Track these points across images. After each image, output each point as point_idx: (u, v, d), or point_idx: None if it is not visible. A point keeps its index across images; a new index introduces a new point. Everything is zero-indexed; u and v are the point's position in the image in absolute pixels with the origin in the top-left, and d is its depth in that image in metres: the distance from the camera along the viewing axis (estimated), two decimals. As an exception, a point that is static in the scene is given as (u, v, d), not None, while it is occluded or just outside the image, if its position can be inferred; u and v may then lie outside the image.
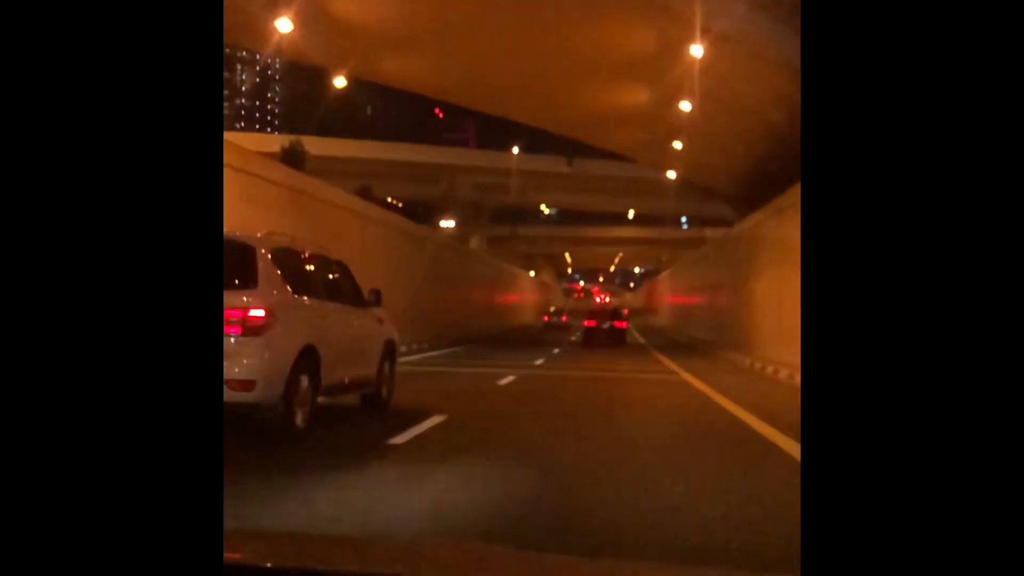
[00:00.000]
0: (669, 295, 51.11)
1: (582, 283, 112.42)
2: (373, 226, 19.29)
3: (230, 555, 0.98)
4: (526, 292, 58.73)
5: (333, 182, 19.77)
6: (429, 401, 8.71)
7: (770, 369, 14.89)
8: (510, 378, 12.55)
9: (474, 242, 50.05)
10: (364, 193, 25.43)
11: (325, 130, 56.12)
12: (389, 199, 45.69)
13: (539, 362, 17.21)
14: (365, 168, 42.54)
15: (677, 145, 19.63)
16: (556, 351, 22.40)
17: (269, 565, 1.13)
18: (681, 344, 27.67)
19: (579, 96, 18.66)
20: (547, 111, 21.71)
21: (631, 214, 59.19)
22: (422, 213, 54.69)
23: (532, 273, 66.86)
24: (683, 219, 76.57)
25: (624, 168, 54.84)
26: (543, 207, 56.68)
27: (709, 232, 40.63)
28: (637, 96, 17.53)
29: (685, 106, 16.45)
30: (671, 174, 24.64)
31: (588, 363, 17.27)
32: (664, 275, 57.29)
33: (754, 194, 19.87)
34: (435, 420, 7.30)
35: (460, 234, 49.38)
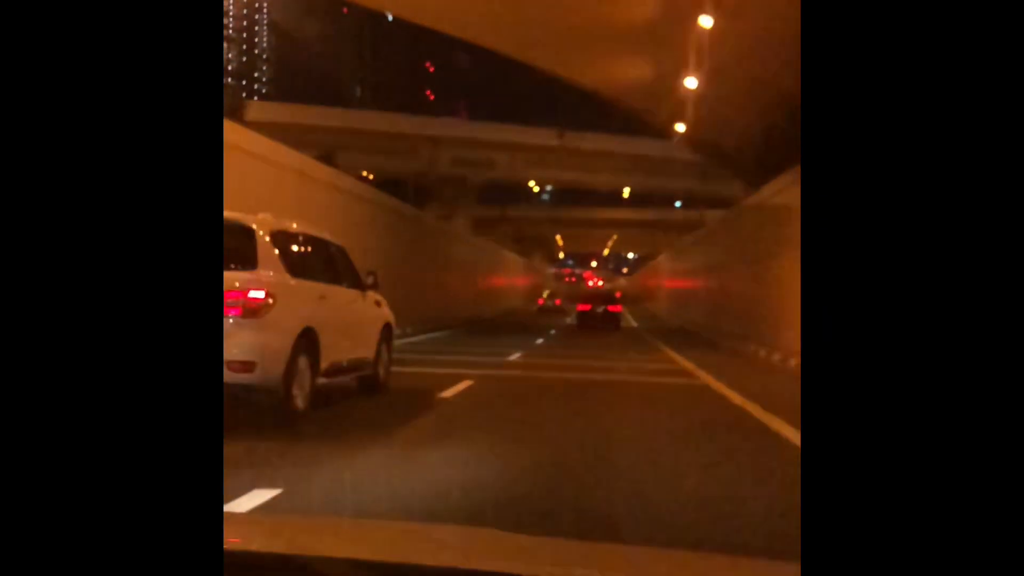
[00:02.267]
0: (667, 279, 47.41)
1: (572, 267, 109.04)
2: (324, 191, 15.79)
3: (229, 540, 0.96)
4: (515, 276, 55.08)
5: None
6: (315, 435, 5.69)
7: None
8: (465, 384, 8.92)
9: (459, 222, 46.21)
10: (327, 162, 21.80)
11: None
12: (364, 173, 41.96)
13: (515, 356, 13.55)
14: (331, 138, 38.68)
15: (690, 83, 15.71)
16: (539, 341, 18.76)
17: (267, 551, 1.12)
18: (685, 333, 24.02)
19: (561, 6, 14.55)
20: (517, 27, 17.18)
21: (626, 192, 55.29)
22: (412, 195, 50.77)
23: (519, 256, 63.13)
24: (677, 203, 73.17)
25: (619, 142, 51.33)
26: (532, 184, 52.65)
27: (711, 215, 36.67)
28: (641, 8, 13.60)
29: (705, 21, 12.64)
30: (680, 127, 20.86)
31: (576, 359, 13.59)
32: (662, 258, 53.57)
33: (773, 158, 16.23)
34: (255, 498, 3.62)
35: (445, 213, 45.95)
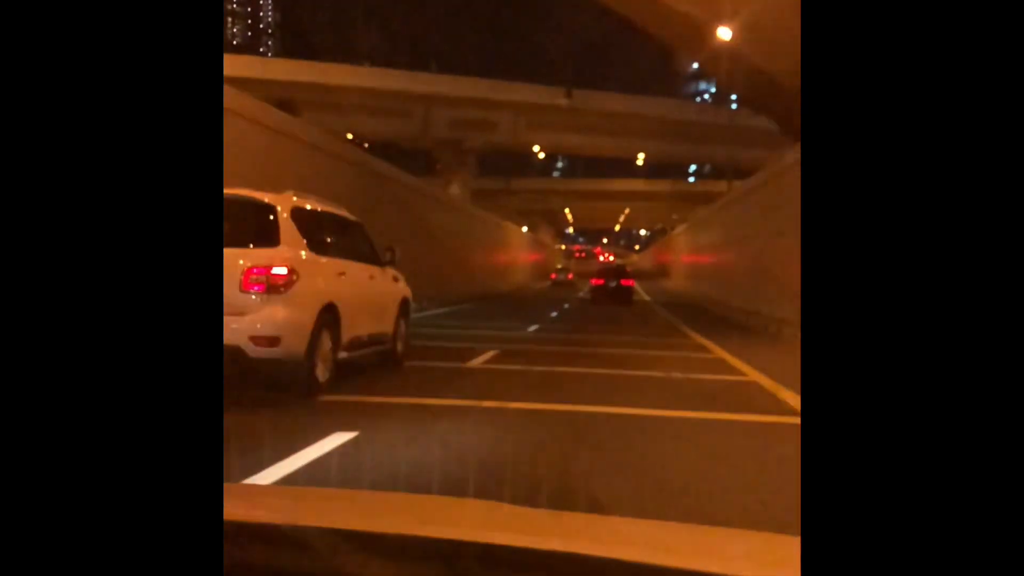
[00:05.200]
0: (685, 254, 42.55)
1: (583, 243, 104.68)
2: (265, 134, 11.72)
3: (235, 511, 0.95)
4: (520, 251, 50.40)
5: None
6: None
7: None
8: (330, 444, 4.30)
9: (455, 190, 41.58)
10: (287, 109, 17.20)
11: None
12: (350, 136, 37.23)
13: (483, 359, 8.96)
14: (305, 96, 33.81)
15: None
16: (533, 328, 14.12)
17: (273, 522, 1.09)
18: (713, 315, 19.37)
19: None
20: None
21: (640, 159, 50.27)
22: (422, 166, 45.94)
23: (525, 229, 58.40)
24: (691, 178, 68.49)
25: (634, 102, 46.33)
26: (536, 148, 47.77)
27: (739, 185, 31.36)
28: None
29: None
30: (724, 33, 16.00)
31: (578, 361, 8.95)
32: (679, 230, 48.65)
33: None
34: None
35: (443, 182, 41.49)
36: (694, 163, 50.65)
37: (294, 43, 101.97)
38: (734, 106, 40.19)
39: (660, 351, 10.52)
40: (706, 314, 20.54)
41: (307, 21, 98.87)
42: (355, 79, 39.74)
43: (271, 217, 5.78)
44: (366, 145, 35.59)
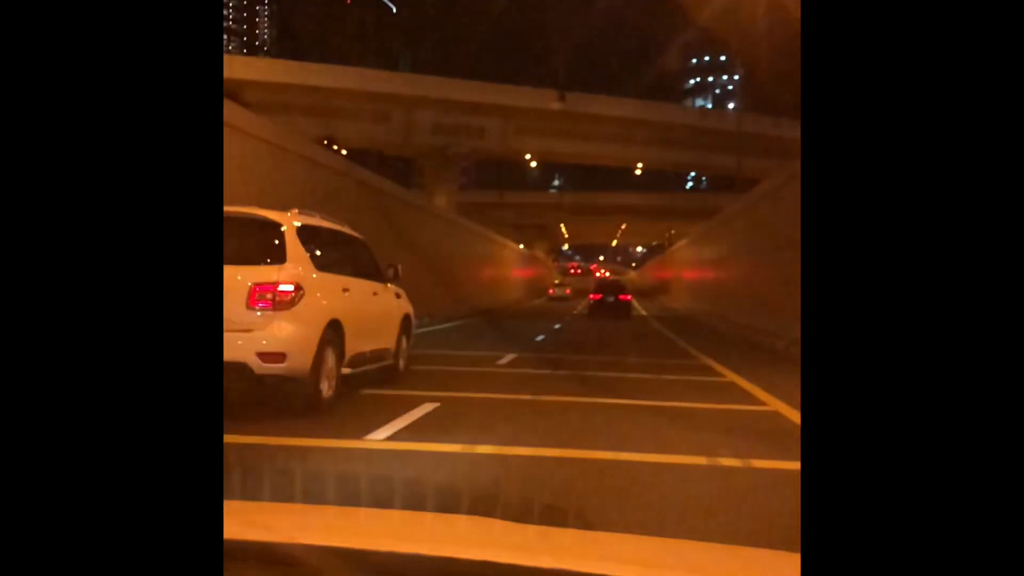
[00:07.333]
0: (692, 269, 39.23)
1: (579, 261, 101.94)
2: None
3: (230, 529, 0.93)
4: (512, 266, 47.15)
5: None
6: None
7: None
8: None
9: (440, 201, 38.34)
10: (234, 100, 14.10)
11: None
12: (326, 142, 34.04)
13: (403, 422, 5.68)
14: (272, 99, 30.53)
15: None
16: (507, 359, 10.78)
17: (269, 540, 1.07)
18: (740, 343, 16.01)
19: None
20: None
21: (639, 169, 47.04)
22: (402, 174, 42.99)
23: (522, 246, 55.26)
24: (687, 189, 65.61)
25: (631, 106, 43.15)
26: (528, 157, 44.52)
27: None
28: None
29: None
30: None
31: (557, 425, 5.68)
32: (682, 244, 45.36)
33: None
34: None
35: (427, 192, 38.45)
36: (697, 173, 47.59)
37: (288, 58, 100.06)
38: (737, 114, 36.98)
39: (683, 400, 7.14)
40: (725, 338, 17.20)
41: (303, 36, 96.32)
42: (331, 79, 36.49)
43: (277, 234, 5.81)
44: (344, 152, 32.52)
